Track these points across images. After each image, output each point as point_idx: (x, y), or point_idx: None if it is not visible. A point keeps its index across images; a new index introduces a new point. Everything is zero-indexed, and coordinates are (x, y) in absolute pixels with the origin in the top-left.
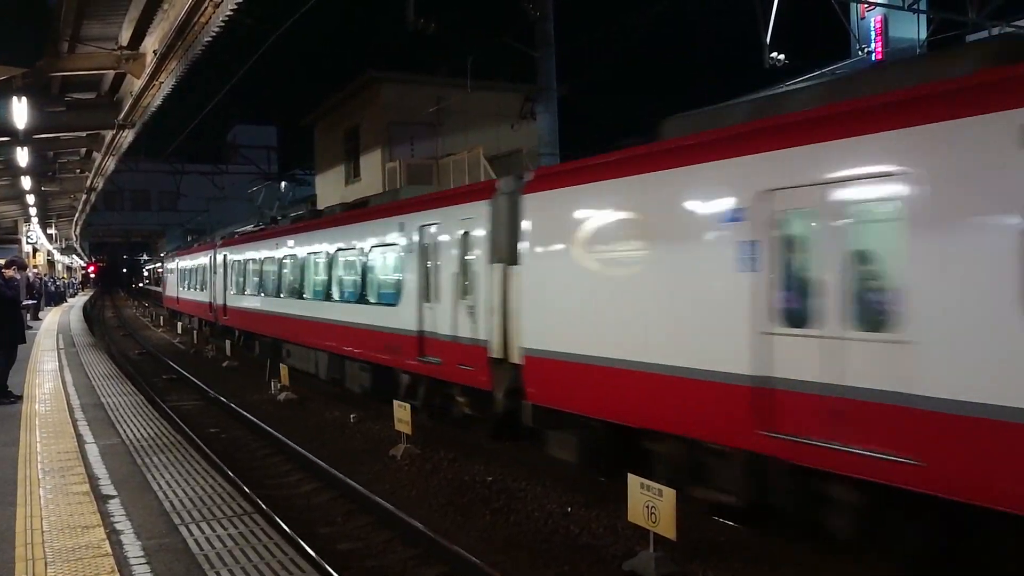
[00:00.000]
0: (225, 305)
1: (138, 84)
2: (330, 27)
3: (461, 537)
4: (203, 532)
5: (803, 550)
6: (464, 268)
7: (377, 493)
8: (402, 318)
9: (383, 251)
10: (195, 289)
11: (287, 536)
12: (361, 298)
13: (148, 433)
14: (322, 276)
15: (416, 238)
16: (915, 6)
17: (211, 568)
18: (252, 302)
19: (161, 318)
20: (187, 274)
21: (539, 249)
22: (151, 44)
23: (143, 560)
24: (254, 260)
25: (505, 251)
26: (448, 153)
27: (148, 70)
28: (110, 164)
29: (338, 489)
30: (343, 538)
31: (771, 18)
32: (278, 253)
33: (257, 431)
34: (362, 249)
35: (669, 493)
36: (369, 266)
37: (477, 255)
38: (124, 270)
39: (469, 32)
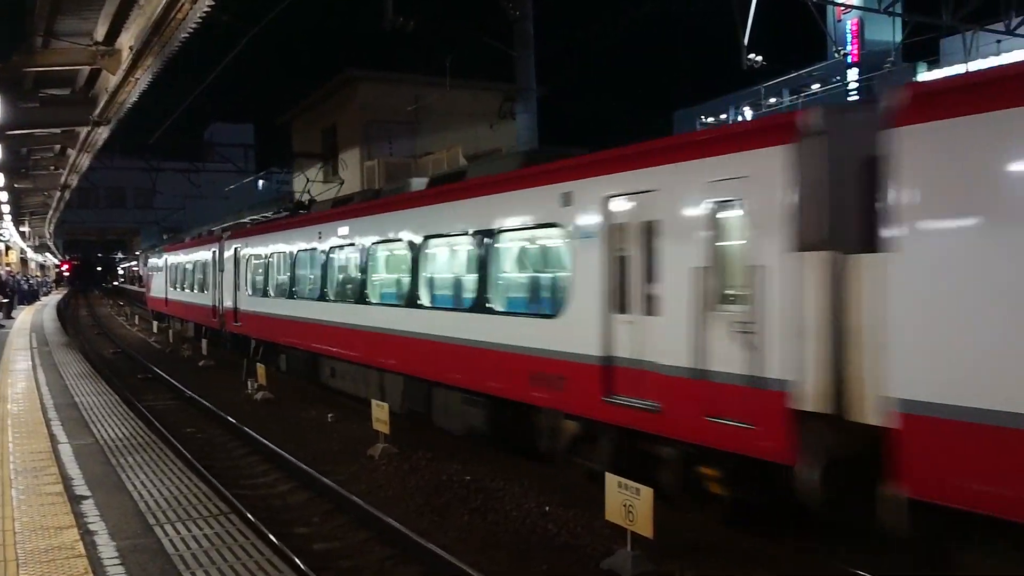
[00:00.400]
0: (236, 309)
1: (113, 80)
2: (308, 24)
3: (439, 537)
4: (178, 532)
5: (779, 550)
6: (721, 260)
7: (354, 493)
8: (568, 336)
9: (523, 236)
10: (192, 289)
11: (263, 536)
12: (479, 304)
13: (123, 433)
14: (400, 274)
15: (597, 217)
16: (891, 9)
17: (186, 568)
18: (278, 306)
19: (136, 316)
20: (181, 271)
21: (951, 223)
22: (127, 40)
23: (117, 561)
24: (283, 254)
25: (835, 230)
26: (426, 152)
27: (124, 66)
28: (84, 161)
29: (315, 489)
30: (320, 538)
31: (749, 20)
32: (323, 244)
33: (233, 431)
34: (482, 234)
35: (646, 492)
36: (495, 258)
37: (758, 238)
38: (99, 268)
39: (448, 30)
